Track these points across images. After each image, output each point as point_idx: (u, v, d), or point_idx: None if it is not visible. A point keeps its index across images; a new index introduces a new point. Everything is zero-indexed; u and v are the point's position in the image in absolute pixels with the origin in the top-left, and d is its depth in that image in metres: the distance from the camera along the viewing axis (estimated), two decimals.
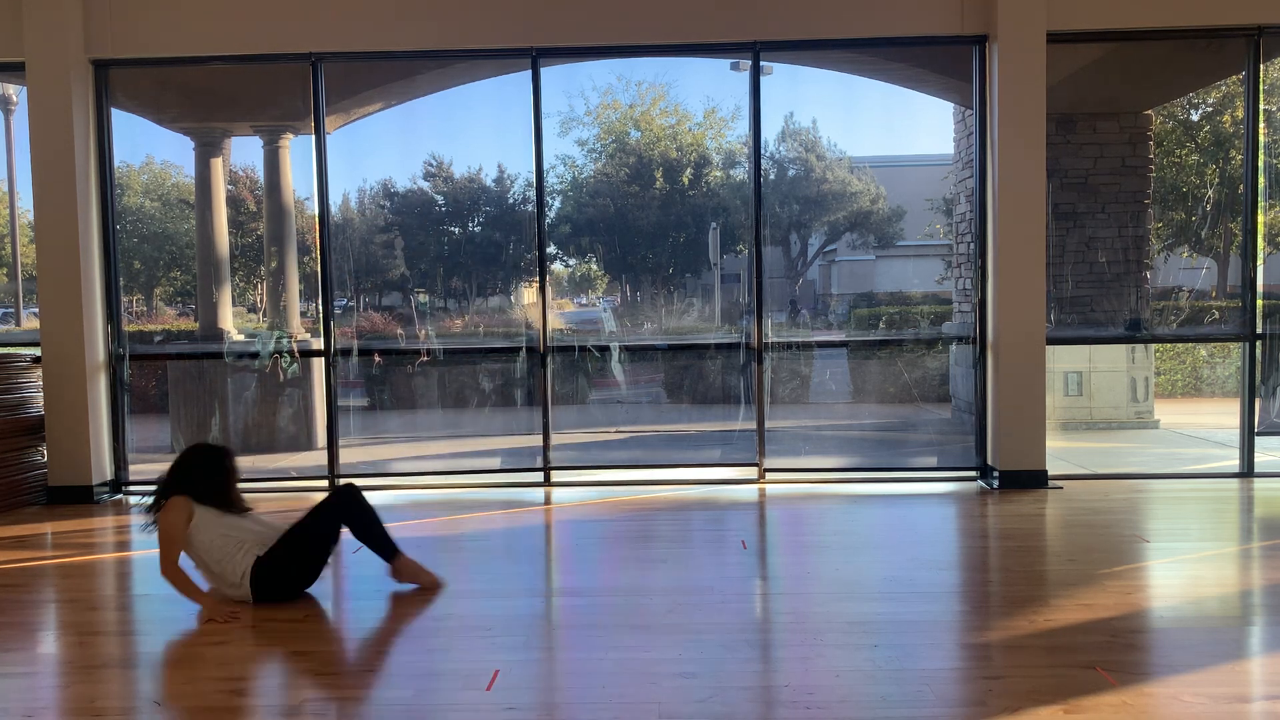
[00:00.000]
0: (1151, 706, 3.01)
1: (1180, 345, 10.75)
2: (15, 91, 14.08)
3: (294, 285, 8.95)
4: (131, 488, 6.79)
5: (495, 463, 7.56)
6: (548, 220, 7.83)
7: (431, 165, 10.60)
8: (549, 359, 6.79)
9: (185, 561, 4.19)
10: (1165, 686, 3.17)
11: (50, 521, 5.98)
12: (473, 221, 10.93)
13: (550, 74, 6.78)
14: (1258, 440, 6.64)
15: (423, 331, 9.30)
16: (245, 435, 8.49)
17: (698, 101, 10.89)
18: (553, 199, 10.70)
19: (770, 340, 6.89)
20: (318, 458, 7.46)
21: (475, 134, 10.05)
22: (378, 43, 6.53)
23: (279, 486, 6.94)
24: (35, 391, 6.59)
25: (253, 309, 10.81)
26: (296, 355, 7.73)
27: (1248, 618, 3.88)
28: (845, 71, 7.66)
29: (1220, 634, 3.66)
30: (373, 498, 6.44)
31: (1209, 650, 3.48)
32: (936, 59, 7.16)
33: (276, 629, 3.95)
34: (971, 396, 6.85)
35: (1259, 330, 6.61)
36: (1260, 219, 6.83)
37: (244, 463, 8.06)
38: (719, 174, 11.09)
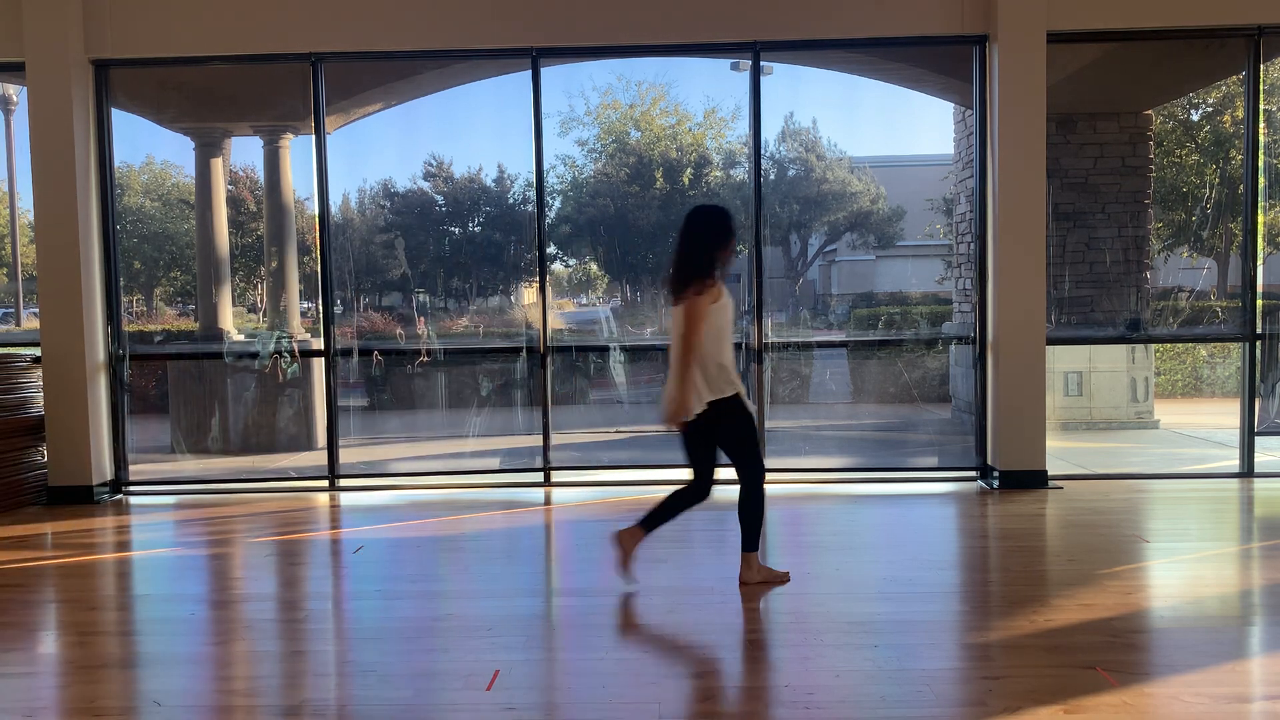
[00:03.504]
0: (1151, 706, 3.01)
1: (1180, 345, 10.74)
2: (15, 91, 14.09)
3: (294, 285, 8.95)
4: (132, 488, 6.79)
5: (495, 463, 7.55)
6: (548, 220, 7.82)
7: (431, 165, 10.61)
8: (549, 359, 6.79)
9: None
10: (1165, 686, 3.17)
11: (50, 521, 5.98)
12: (473, 221, 10.94)
13: (550, 74, 6.78)
14: (1258, 440, 6.64)
15: (423, 331, 9.30)
16: (245, 435, 8.50)
17: (698, 101, 10.91)
18: (553, 199, 10.71)
19: (770, 340, 6.89)
20: (318, 458, 7.46)
21: (475, 134, 10.07)
22: (378, 43, 6.53)
23: (279, 486, 6.94)
24: (35, 391, 6.59)
25: (253, 309, 10.82)
26: (297, 355, 7.74)
27: (1248, 618, 3.87)
28: (845, 71, 7.66)
29: (1220, 634, 3.66)
30: (373, 498, 6.52)
31: (1209, 650, 3.48)
32: (936, 59, 7.16)
33: (277, 629, 3.96)
34: (971, 396, 6.85)
35: (1259, 330, 6.61)
36: (1260, 219, 6.83)
37: (244, 463, 8.18)
38: (719, 174, 11.09)
